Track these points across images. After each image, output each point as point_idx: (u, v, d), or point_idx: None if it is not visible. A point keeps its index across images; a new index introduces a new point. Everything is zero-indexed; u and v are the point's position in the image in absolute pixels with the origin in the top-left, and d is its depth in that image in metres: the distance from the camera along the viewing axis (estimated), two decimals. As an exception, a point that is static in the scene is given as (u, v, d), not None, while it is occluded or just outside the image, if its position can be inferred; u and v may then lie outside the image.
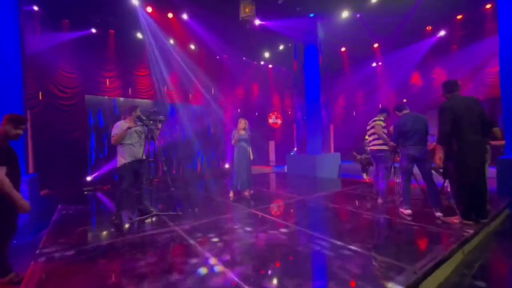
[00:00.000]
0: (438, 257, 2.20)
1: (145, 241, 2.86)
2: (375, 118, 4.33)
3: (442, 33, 10.10)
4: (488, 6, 8.77)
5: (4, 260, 2.24)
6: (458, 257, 2.47)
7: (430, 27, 10.24)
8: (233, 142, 4.92)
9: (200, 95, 10.66)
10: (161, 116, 3.70)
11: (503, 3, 4.78)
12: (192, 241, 2.77)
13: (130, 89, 8.83)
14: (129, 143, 3.55)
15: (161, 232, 3.10)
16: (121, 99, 8.34)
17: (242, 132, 4.91)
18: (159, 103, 8.91)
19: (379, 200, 4.25)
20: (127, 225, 3.41)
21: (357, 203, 4.31)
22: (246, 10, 4.61)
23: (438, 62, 10.72)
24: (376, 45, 11.44)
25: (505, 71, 4.70)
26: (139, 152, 3.60)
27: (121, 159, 3.51)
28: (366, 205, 4.18)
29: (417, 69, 11.43)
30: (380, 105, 10.26)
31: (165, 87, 9.71)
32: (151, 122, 3.61)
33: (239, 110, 11.88)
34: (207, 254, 2.42)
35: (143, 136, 3.70)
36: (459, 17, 9.50)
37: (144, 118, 3.59)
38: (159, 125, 3.72)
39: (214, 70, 10.97)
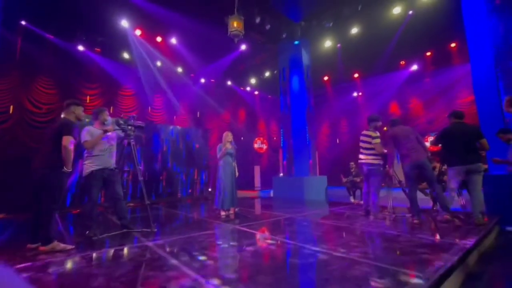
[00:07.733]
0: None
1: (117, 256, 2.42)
2: (370, 133, 4.17)
3: (414, 67, 10.95)
4: (453, 44, 9.74)
5: (50, 227, 2.51)
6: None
7: (404, 62, 11.15)
8: (219, 156, 4.63)
9: (185, 118, 10.53)
10: (140, 122, 3.46)
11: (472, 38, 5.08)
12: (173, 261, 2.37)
13: (112, 108, 8.54)
14: (97, 154, 3.14)
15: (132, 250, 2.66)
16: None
17: (229, 146, 4.66)
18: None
19: (371, 217, 4.04)
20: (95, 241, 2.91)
21: (349, 219, 4.06)
22: (234, 25, 4.72)
23: (413, 92, 11.47)
24: (356, 75, 12.17)
25: (479, 100, 4.87)
26: (108, 161, 3.23)
27: (88, 167, 3.12)
28: (358, 221, 3.94)
29: (395, 99, 12.11)
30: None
31: (149, 107, 9.55)
32: (129, 127, 3.34)
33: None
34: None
35: (113, 142, 3.34)
36: (428, 53, 10.45)
37: (122, 122, 3.32)
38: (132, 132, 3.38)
39: (200, 94, 11.01)
